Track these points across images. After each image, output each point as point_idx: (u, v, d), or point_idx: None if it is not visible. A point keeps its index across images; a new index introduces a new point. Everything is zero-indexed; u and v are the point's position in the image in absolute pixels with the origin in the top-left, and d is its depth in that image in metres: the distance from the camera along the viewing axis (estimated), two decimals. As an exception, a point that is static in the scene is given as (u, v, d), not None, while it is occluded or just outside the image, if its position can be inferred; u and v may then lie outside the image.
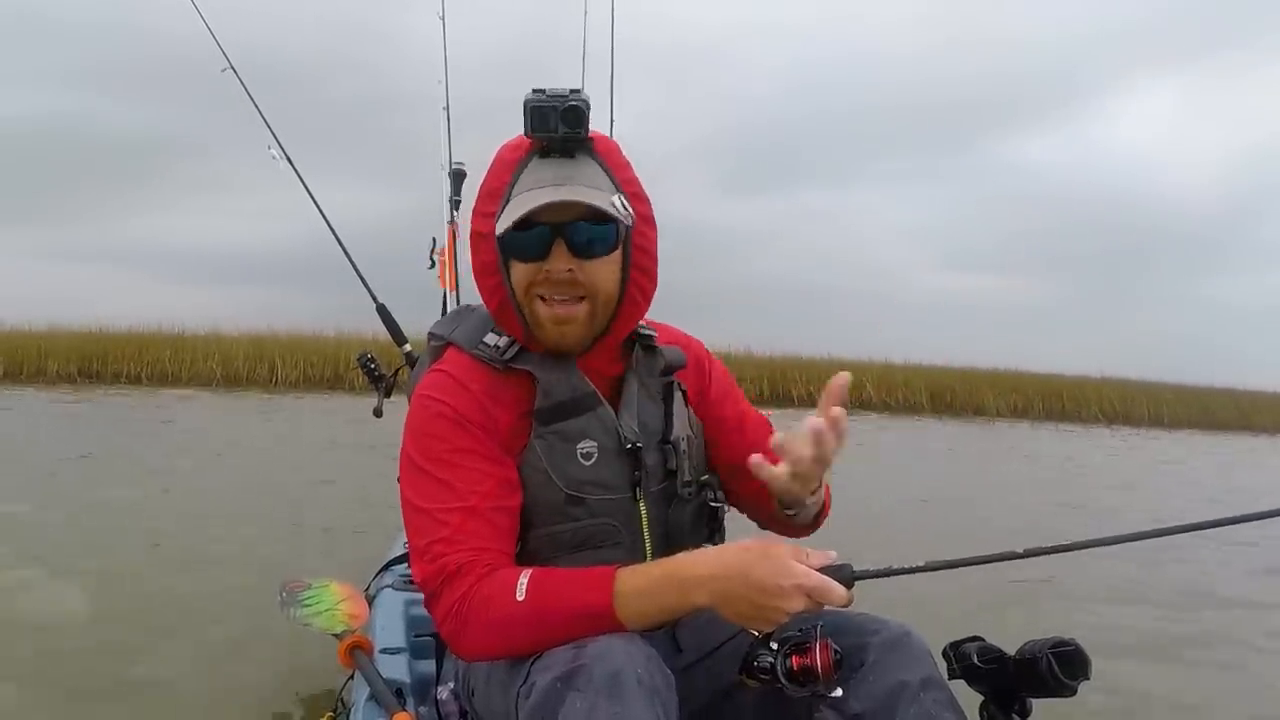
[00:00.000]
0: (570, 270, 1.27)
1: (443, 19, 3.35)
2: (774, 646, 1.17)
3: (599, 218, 1.26)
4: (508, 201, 1.28)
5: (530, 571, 1.18)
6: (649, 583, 1.14)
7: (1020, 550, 1.14)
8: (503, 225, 1.26)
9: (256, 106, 2.86)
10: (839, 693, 1.18)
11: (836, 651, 1.15)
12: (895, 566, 1.13)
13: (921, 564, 1.13)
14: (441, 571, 1.21)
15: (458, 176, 3.21)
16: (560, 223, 1.26)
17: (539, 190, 1.25)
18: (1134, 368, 21.55)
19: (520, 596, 1.15)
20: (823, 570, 1.10)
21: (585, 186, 1.26)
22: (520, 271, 1.29)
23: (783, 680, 1.16)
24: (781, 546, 1.11)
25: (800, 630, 1.17)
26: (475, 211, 1.34)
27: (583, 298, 1.29)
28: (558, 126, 1.25)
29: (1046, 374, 20.39)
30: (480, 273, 1.35)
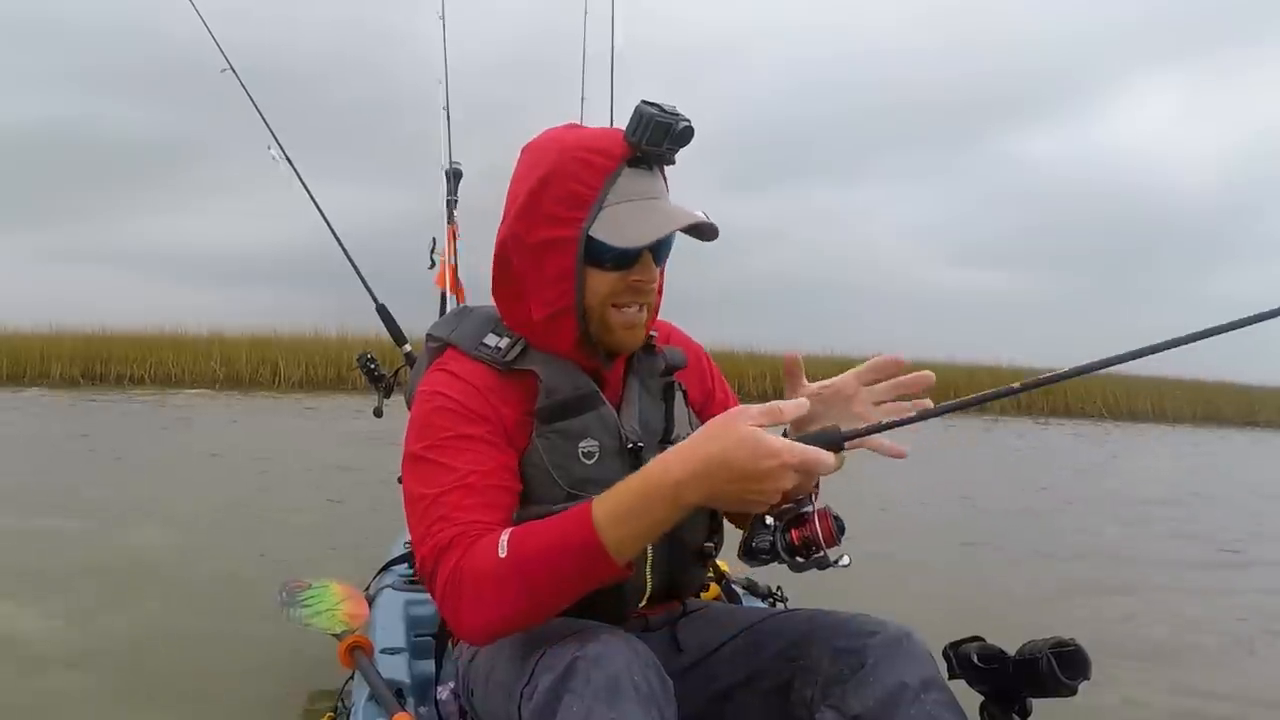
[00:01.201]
0: (655, 280, 1.31)
1: (442, 19, 3.35)
2: (769, 523, 1.14)
3: (686, 231, 1.28)
4: (601, 208, 1.25)
5: (510, 529, 1.16)
6: (628, 504, 1.09)
7: (1016, 385, 1.09)
8: (624, 238, 1.24)
9: (256, 106, 2.86)
10: (846, 560, 1.14)
11: (836, 518, 1.13)
12: (884, 421, 1.10)
13: (913, 414, 1.10)
14: (435, 549, 1.18)
15: (455, 177, 3.20)
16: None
17: (645, 203, 1.26)
18: (1138, 363, 21.45)
19: (503, 553, 1.11)
20: (809, 438, 1.07)
21: (680, 204, 1.28)
22: (603, 280, 1.27)
23: (784, 555, 1.13)
24: (750, 424, 1.04)
25: (796, 502, 1.14)
26: (542, 215, 1.28)
27: (646, 305, 1.32)
28: (664, 143, 1.24)
29: (1050, 369, 20.31)
30: (548, 281, 1.30)
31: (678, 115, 1.23)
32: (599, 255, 1.26)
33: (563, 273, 1.28)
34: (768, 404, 1.07)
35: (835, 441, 1.08)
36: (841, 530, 1.14)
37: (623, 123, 1.26)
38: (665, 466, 1.08)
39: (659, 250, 1.30)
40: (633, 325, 1.31)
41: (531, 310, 1.33)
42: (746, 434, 1.03)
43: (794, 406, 1.09)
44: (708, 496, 1.06)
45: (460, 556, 1.16)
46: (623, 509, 1.09)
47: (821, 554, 1.13)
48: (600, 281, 1.28)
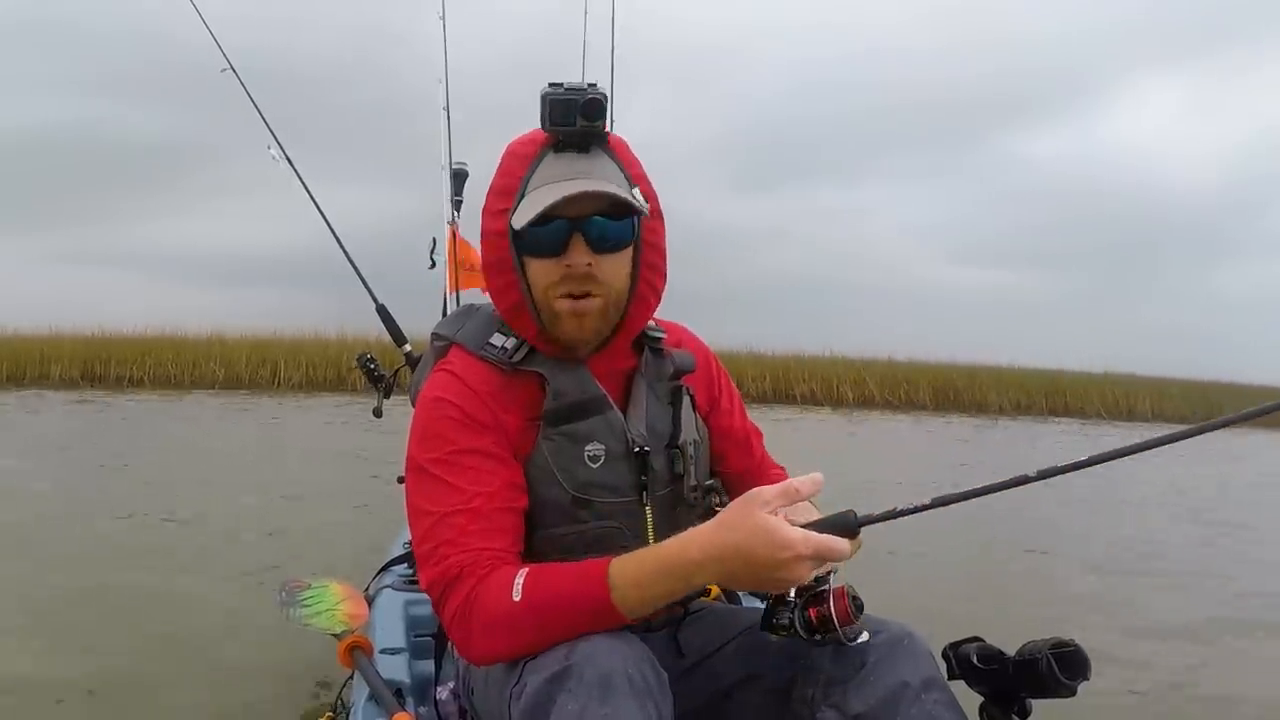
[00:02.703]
0: (589, 264, 1.26)
1: (443, 19, 3.36)
2: (791, 601, 1.17)
3: (618, 212, 1.26)
4: (522, 197, 1.27)
5: (526, 570, 1.17)
6: (644, 574, 1.11)
7: (1033, 473, 1.03)
8: (521, 220, 1.24)
9: (255, 106, 2.85)
10: (865, 637, 1.17)
11: (854, 598, 1.14)
12: (899, 508, 1.08)
13: (928, 501, 1.07)
14: (445, 575, 1.19)
15: (459, 177, 3.21)
16: (578, 217, 1.25)
17: (558, 184, 1.24)
18: (1138, 362, 21.53)
19: (517, 596, 1.14)
20: (823, 525, 1.07)
21: (603, 180, 1.26)
22: (538, 269, 1.28)
23: (802, 633, 1.15)
24: (767, 510, 1.05)
25: (816, 579, 1.15)
26: (486, 210, 1.32)
27: (596, 294, 1.28)
28: (577, 120, 1.24)
29: (1051, 369, 20.40)
30: (493, 271, 1.33)
31: (583, 90, 1.24)
32: (524, 244, 1.28)
33: (503, 264, 1.31)
34: (783, 484, 1.08)
35: (850, 527, 1.08)
36: (859, 609, 1.15)
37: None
38: (684, 546, 1.10)
39: (591, 235, 1.26)
40: (580, 314, 1.28)
41: (498, 305, 1.36)
42: (762, 524, 1.05)
43: (810, 483, 1.09)
44: (721, 577, 1.09)
45: (471, 589, 1.17)
46: (639, 577, 1.12)
47: (838, 632, 1.15)
48: (538, 271, 1.29)
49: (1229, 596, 4.74)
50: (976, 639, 1.27)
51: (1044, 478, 1.01)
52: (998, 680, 1.23)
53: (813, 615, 1.15)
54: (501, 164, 1.32)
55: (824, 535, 1.05)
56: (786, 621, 1.16)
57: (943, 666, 1.25)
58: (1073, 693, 1.16)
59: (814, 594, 1.16)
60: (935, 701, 1.17)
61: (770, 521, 1.04)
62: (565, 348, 1.33)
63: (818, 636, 1.16)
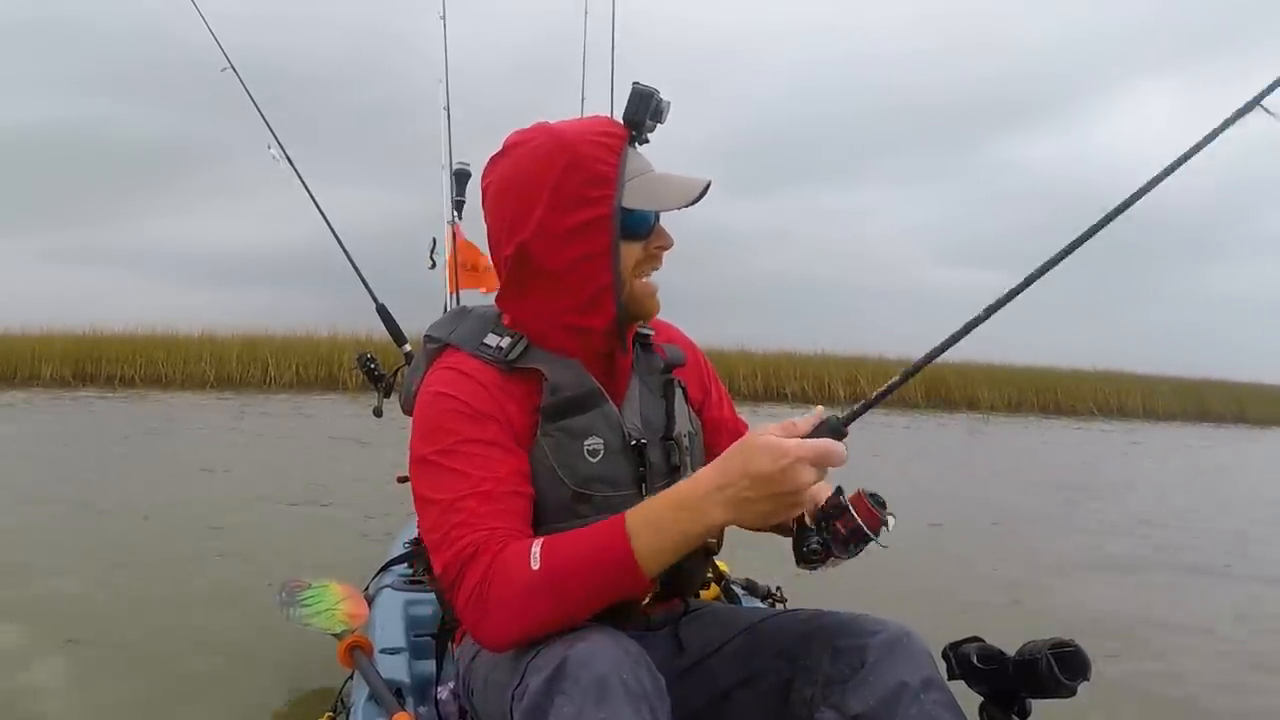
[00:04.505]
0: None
1: (443, 18, 3.36)
2: (811, 526, 1.18)
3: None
4: (624, 182, 1.32)
5: (541, 539, 1.17)
6: (660, 516, 1.13)
7: (981, 311, 1.14)
8: (660, 202, 1.32)
9: (255, 105, 2.85)
10: (892, 521, 1.17)
11: (873, 495, 1.17)
12: (872, 394, 1.14)
13: (896, 378, 1.14)
14: (459, 556, 1.18)
15: (461, 177, 3.20)
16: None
17: (661, 173, 1.35)
18: (1129, 360, 21.59)
19: (535, 565, 1.14)
20: (812, 433, 1.11)
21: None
22: (631, 251, 1.34)
23: (836, 551, 1.17)
24: (768, 434, 1.10)
25: (828, 499, 1.18)
26: (576, 199, 1.30)
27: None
28: (649, 115, 1.34)
29: (1042, 367, 20.45)
30: (584, 260, 1.32)
31: (656, 93, 1.34)
32: (638, 226, 1.34)
33: (600, 249, 1.32)
34: (784, 422, 1.13)
35: (836, 429, 1.11)
36: (882, 505, 1.16)
37: None
38: (694, 481, 1.14)
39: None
40: (653, 292, 1.38)
41: (559, 301, 1.34)
42: (761, 441, 1.09)
43: (807, 422, 1.13)
44: (735, 507, 1.11)
45: (488, 565, 1.17)
46: (654, 517, 1.14)
47: (870, 537, 1.16)
48: (629, 253, 1.34)
49: None
50: (976, 639, 1.28)
51: (990, 314, 1.15)
52: (998, 680, 1.24)
53: (840, 528, 1.16)
54: (584, 151, 1.31)
55: (819, 439, 1.09)
56: (816, 545, 1.17)
57: (942, 666, 1.25)
58: (1073, 693, 1.17)
59: (833, 508, 1.17)
60: (934, 702, 1.18)
61: (767, 438, 1.09)
62: (624, 330, 1.38)
63: (852, 547, 1.16)
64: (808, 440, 1.09)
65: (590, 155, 1.31)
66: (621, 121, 1.34)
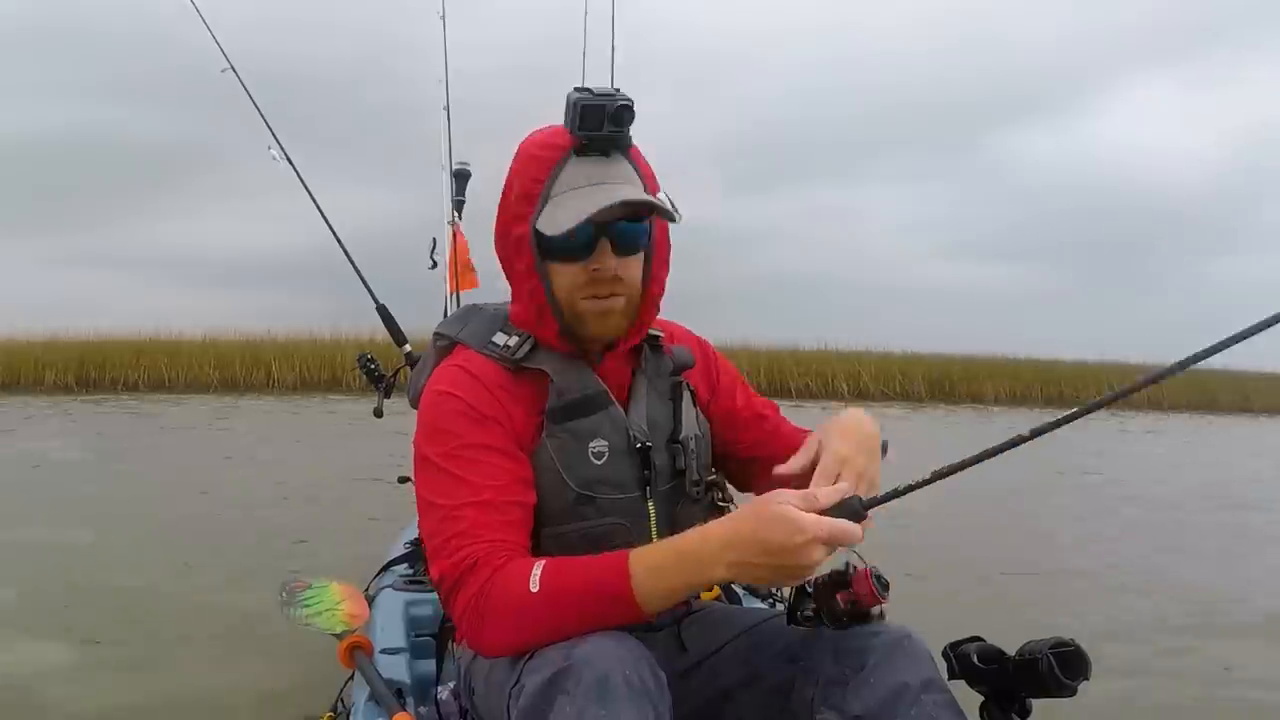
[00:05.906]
0: (615, 267, 1.27)
1: (443, 18, 3.35)
2: (810, 591, 1.17)
3: (638, 215, 1.27)
4: (546, 201, 1.26)
5: (544, 561, 1.17)
6: (663, 563, 1.12)
7: (1027, 432, 1.07)
8: (554, 227, 1.24)
9: (256, 105, 2.84)
10: (886, 608, 1.17)
11: (879, 577, 1.15)
12: (900, 487, 1.10)
13: (928, 476, 1.08)
14: (458, 567, 1.19)
15: (461, 177, 3.19)
16: (603, 221, 1.25)
17: (589, 189, 1.24)
18: (1134, 351, 21.55)
19: (535, 587, 1.13)
20: (832, 510, 1.08)
21: (630, 185, 1.26)
22: (565, 274, 1.28)
23: (827, 621, 1.17)
24: (786, 504, 1.07)
25: (838, 570, 1.16)
26: (509, 214, 1.31)
27: (619, 294, 1.30)
28: (604, 125, 1.24)
29: (1046, 359, 20.43)
30: (516, 275, 1.33)
31: (612, 96, 1.23)
32: (549, 248, 1.27)
33: (529, 268, 1.30)
34: (804, 491, 1.10)
35: (857, 511, 1.09)
36: (885, 588, 1.15)
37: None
38: (703, 535, 1.12)
39: (617, 239, 1.27)
40: (605, 313, 1.30)
41: (522, 306, 1.35)
42: (778, 512, 1.06)
43: (828, 496, 1.10)
44: (739, 569, 1.09)
45: (487, 580, 1.17)
46: (657, 561, 1.12)
47: (867, 614, 1.16)
48: (562, 275, 1.29)
49: None
50: (976, 639, 1.28)
51: (1037, 435, 1.07)
52: (998, 680, 1.23)
53: (840, 600, 1.15)
54: (519, 166, 1.31)
55: (836, 519, 1.06)
56: (812, 613, 1.17)
57: (942, 667, 1.25)
58: (1073, 692, 1.16)
59: (839, 578, 1.16)
60: (934, 702, 1.17)
61: (785, 509, 1.06)
62: (583, 346, 1.34)
63: (845, 620, 1.16)
64: (825, 520, 1.05)
65: (522, 171, 1.30)
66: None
